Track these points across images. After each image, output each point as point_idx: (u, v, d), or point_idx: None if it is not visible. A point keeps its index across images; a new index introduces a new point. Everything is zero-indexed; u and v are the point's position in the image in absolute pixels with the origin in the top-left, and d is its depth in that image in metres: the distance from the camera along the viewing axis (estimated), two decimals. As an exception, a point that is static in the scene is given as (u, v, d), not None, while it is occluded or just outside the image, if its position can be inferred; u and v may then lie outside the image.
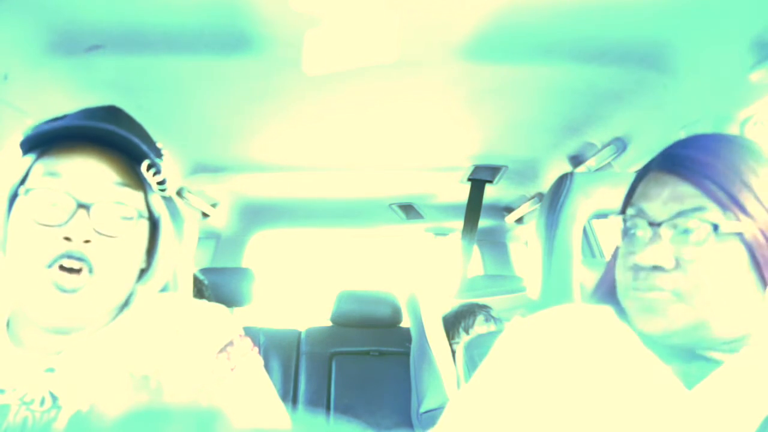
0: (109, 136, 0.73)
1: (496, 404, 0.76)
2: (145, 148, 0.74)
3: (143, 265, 0.81)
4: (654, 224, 0.70)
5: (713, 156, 0.69)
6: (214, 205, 2.46)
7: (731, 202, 0.67)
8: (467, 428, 0.76)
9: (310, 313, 3.27)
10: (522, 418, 0.74)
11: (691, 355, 0.72)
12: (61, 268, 0.70)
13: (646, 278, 0.70)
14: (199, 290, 2.21)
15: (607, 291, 0.80)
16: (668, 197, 0.70)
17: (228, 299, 2.49)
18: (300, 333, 2.61)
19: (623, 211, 0.76)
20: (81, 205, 0.71)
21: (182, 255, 1.15)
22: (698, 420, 0.68)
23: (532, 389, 0.75)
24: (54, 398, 0.72)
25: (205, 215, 2.47)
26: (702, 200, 0.68)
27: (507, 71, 1.31)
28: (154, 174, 0.76)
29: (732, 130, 1.17)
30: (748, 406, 0.68)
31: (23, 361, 0.74)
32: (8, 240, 0.74)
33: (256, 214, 2.80)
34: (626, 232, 0.74)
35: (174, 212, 1.11)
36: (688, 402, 0.69)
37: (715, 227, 0.67)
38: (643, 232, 0.71)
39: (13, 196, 0.74)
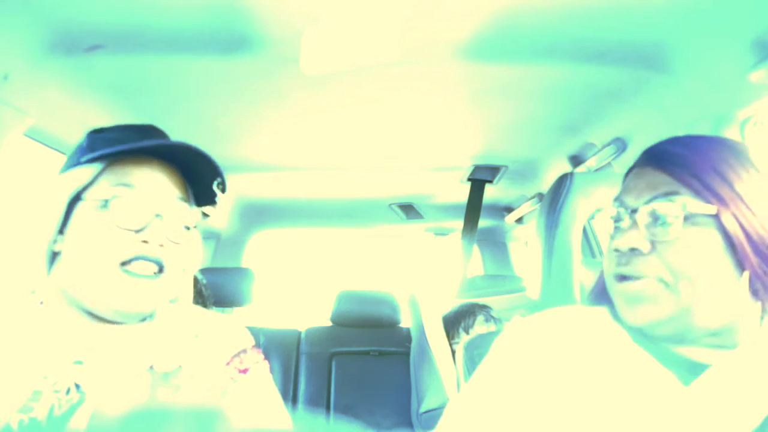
0: (184, 154, 0.83)
1: (494, 405, 0.76)
2: (218, 166, 0.84)
3: None
4: (631, 211, 0.74)
5: (691, 150, 0.74)
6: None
7: (704, 188, 0.70)
8: (467, 429, 0.76)
9: (310, 313, 3.27)
10: (521, 418, 0.74)
11: (685, 361, 0.73)
12: (138, 265, 0.79)
13: (627, 263, 0.73)
14: (199, 291, 2.21)
15: (602, 291, 0.81)
16: (645, 186, 0.74)
17: (228, 299, 2.49)
18: (300, 333, 2.61)
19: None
20: (157, 214, 0.80)
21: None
22: (696, 417, 0.68)
23: (530, 390, 0.75)
24: (78, 388, 0.77)
25: (205, 215, 2.46)
26: (675, 186, 0.72)
27: (507, 71, 1.31)
28: (223, 191, 0.86)
29: (732, 130, 1.17)
30: (745, 402, 0.68)
31: (55, 351, 0.79)
32: (69, 239, 0.80)
33: (256, 214, 2.80)
34: (613, 227, 0.77)
35: None
36: (686, 399, 0.69)
37: (685, 207, 0.70)
38: (624, 222, 0.75)
39: (74, 199, 0.81)
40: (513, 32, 1.12)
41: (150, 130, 0.89)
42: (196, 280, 2.21)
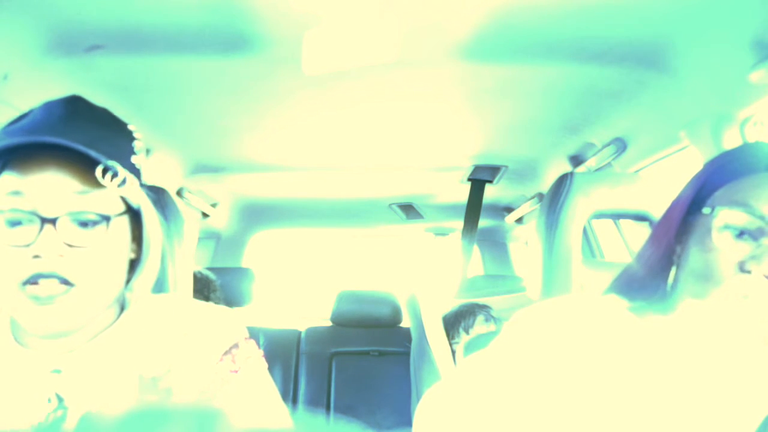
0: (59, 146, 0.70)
1: (497, 385, 0.75)
2: (93, 154, 0.70)
3: (132, 255, 0.79)
4: None
5: None
6: (214, 205, 2.46)
7: None
8: (466, 404, 0.76)
9: (310, 313, 3.27)
10: (528, 401, 0.74)
11: None
12: (36, 284, 0.69)
13: None
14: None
15: (629, 281, 0.80)
16: None
17: (228, 299, 2.49)
18: (300, 333, 2.62)
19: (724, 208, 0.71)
20: (46, 221, 0.69)
21: (182, 255, 1.14)
22: (703, 406, 0.68)
23: (541, 372, 0.74)
24: (60, 399, 0.73)
25: (205, 215, 2.47)
26: None
27: (507, 71, 1.31)
28: (112, 177, 0.72)
29: (732, 130, 1.17)
30: (754, 391, 0.68)
31: (29, 362, 0.74)
32: None
33: (256, 214, 2.80)
34: (737, 234, 0.68)
35: (171, 208, 1.10)
36: (694, 386, 0.70)
37: None
38: None
39: None
40: (513, 32, 1.12)
41: (57, 111, 0.76)
42: (207, 279, 2.20)
